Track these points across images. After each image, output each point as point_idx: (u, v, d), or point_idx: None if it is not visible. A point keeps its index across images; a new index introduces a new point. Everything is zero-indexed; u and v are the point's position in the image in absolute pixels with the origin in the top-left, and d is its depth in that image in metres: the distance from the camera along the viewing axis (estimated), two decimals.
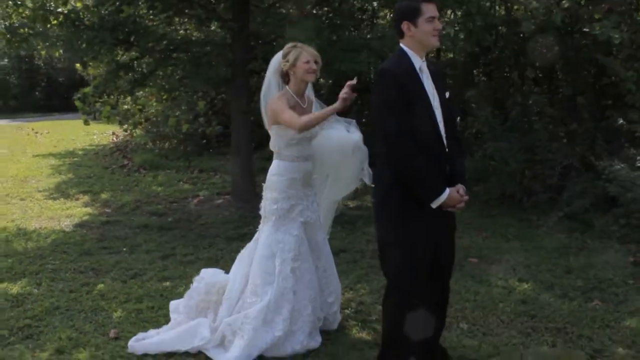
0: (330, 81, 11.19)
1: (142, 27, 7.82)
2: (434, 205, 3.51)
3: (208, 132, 11.95)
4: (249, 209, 8.40)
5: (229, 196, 9.13)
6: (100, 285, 5.51)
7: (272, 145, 4.43)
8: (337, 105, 3.95)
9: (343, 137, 4.62)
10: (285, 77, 4.38)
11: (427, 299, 3.66)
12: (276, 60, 4.45)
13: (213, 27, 9.64)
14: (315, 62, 4.32)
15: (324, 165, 4.62)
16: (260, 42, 9.28)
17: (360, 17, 11.64)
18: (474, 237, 7.00)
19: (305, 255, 4.29)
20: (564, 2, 8.13)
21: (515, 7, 9.60)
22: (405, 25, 3.54)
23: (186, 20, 8.94)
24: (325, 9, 9.83)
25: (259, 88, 11.39)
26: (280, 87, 4.45)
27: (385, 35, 8.19)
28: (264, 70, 10.61)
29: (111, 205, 8.73)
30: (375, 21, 12.14)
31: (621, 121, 7.64)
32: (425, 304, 3.65)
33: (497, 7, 10.03)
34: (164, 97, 12.65)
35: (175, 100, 12.83)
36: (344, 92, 3.89)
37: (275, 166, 4.38)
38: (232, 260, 6.27)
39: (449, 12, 9.41)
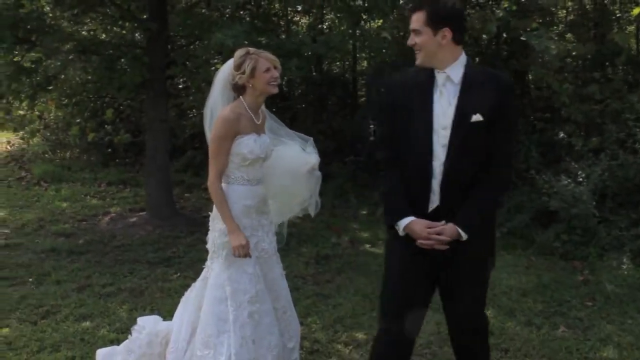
0: None
1: (47, 24, 6.90)
2: (400, 232, 3.16)
3: (117, 140, 10.98)
4: (169, 228, 7.65)
5: (144, 212, 8.29)
6: (5, 330, 4.64)
7: None
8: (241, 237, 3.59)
9: (298, 156, 3.99)
10: (240, 90, 3.69)
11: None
12: (225, 72, 3.73)
13: (124, 30, 8.77)
14: (275, 67, 3.71)
15: (270, 187, 3.97)
16: (177, 45, 8.57)
17: (277, 22, 11.12)
18: None
19: (262, 296, 3.64)
20: (498, 11, 7.94)
21: None
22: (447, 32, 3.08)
23: (100, 17, 8.03)
24: (248, 11, 9.27)
25: (173, 94, 10.74)
26: (230, 100, 3.79)
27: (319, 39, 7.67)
28: (182, 75, 9.93)
29: (10, 225, 7.66)
30: (291, 26, 11.64)
31: (562, 134, 7.50)
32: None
33: None
34: (65, 102, 11.62)
35: (77, 106, 11.80)
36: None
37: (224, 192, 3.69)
38: (159, 290, 5.64)
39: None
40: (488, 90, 3.03)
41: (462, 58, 3.12)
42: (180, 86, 11.08)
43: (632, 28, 8.70)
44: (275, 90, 3.67)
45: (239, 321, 3.54)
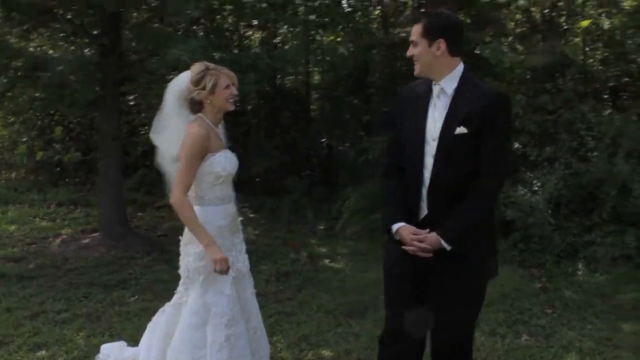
0: None
1: None
2: (395, 236, 3.22)
3: (66, 159, 10.69)
4: (123, 248, 7.43)
5: (97, 234, 8.06)
6: None
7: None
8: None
9: None
10: (195, 106, 3.61)
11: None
12: (179, 86, 3.65)
13: (73, 46, 8.54)
14: (233, 84, 3.64)
15: None
16: (130, 60, 8.40)
17: (230, 36, 11.05)
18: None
19: (238, 318, 3.55)
20: None
21: (397, 30, 9.45)
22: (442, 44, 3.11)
23: (48, 33, 7.81)
24: (202, 25, 9.19)
25: (125, 111, 10.51)
26: (186, 117, 3.68)
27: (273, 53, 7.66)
28: (135, 92, 9.73)
29: None
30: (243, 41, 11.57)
31: (517, 145, 7.61)
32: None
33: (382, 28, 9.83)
34: (11, 120, 11.28)
35: (24, 124, 11.46)
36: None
37: (197, 214, 3.56)
38: (117, 314, 5.46)
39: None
40: (474, 102, 3.07)
41: (458, 70, 3.15)
42: (132, 103, 10.87)
43: (578, 40, 8.92)
44: (233, 107, 3.63)
45: (216, 345, 3.45)
